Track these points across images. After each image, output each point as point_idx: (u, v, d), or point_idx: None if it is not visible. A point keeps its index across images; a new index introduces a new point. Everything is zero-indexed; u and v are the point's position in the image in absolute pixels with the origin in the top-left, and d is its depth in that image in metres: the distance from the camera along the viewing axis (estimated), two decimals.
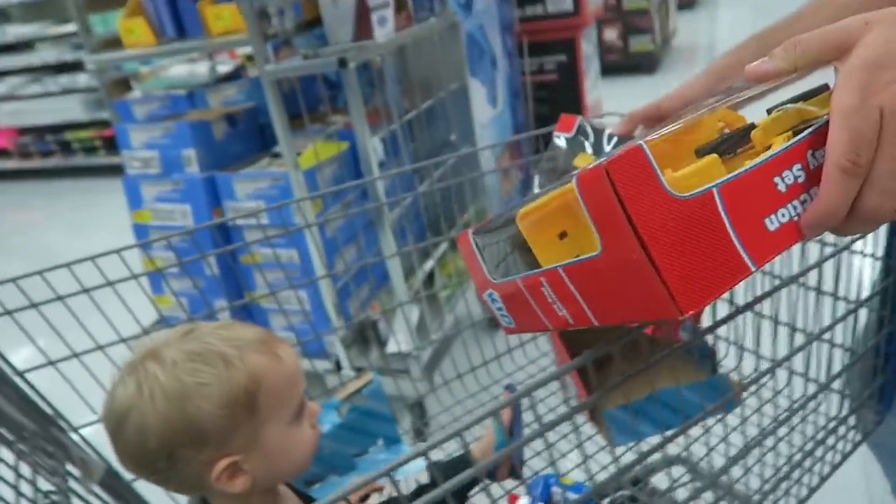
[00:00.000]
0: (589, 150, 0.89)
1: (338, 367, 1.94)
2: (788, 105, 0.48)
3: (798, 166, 0.44)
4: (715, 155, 0.44)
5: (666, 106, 0.80)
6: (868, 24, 0.44)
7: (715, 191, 0.40)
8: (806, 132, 0.45)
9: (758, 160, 0.43)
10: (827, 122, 0.44)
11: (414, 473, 1.01)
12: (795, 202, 0.43)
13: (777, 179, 0.43)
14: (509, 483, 1.09)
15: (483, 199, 2.29)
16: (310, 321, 1.90)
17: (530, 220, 0.53)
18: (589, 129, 0.90)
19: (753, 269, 0.40)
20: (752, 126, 0.48)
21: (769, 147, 0.46)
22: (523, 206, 0.54)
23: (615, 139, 0.86)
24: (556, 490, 0.90)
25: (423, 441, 1.81)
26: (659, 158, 0.40)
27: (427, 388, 1.80)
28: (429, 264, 2.09)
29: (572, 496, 0.90)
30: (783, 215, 0.43)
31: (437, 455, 1.16)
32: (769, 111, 0.49)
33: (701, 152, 0.46)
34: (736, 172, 0.41)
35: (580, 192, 0.41)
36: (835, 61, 0.46)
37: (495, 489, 1.08)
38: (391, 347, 1.91)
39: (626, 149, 0.40)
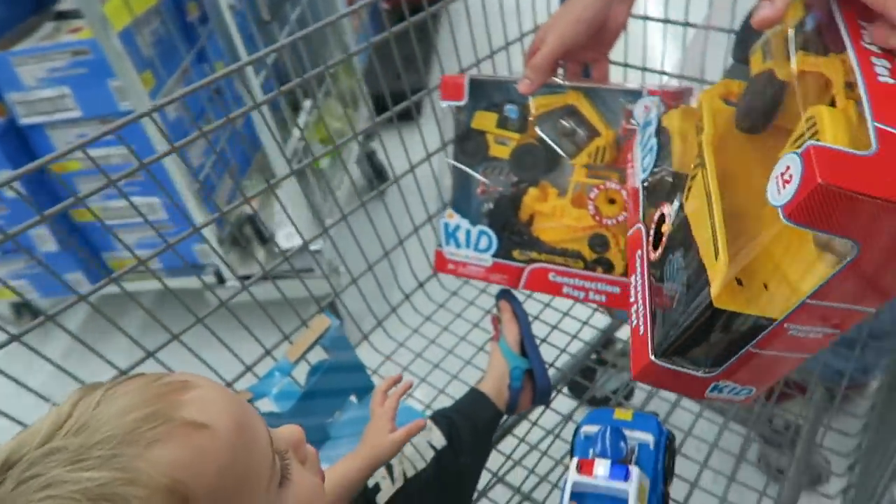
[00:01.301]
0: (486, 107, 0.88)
1: (220, 279, 1.58)
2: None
3: (877, 58, 0.45)
4: (826, 107, 0.44)
5: (566, 40, 0.77)
6: None
7: (883, 128, 0.40)
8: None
9: (859, 79, 0.44)
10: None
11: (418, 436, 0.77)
12: None
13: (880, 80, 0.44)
14: (547, 415, 0.87)
15: (344, 38, 1.88)
16: (170, 232, 1.49)
17: (728, 295, 0.49)
18: (486, 87, 0.87)
19: None
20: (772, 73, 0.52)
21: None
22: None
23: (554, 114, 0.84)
24: (627, 434, 0.70)
25: None
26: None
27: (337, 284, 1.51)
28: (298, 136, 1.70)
29: (646, 436, 0.71)
30: None
31: (425, 392, 0.92)
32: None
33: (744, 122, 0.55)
34: (864, 97, 0.42)
35: (803, 221, 0.40)
36: None
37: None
38: (282, 243, 1.57)
39: (809, 153, 0.40)
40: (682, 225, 0.56)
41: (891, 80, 0.44)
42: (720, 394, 0.56)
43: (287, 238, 1.62)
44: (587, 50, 0.80)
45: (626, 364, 1.02)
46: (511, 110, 0.85)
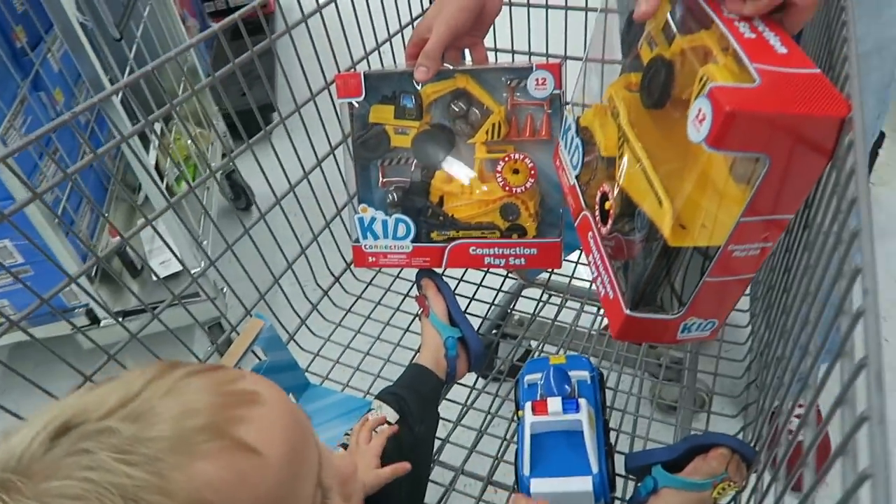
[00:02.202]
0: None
1: (94, 319, 1.46)
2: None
3: (738, 22, 0.56)
4: (712, 64, 0.53)
5: (454, 26, 0.82)
6: None
7: (759, 67, 0.50)
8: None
9: (734, 44, 0.53)
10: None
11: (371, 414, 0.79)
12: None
13: (745, 36, 0.55)
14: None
15: (188, 57, 1.81)
16: (28, 277, 1.36)
17: (678, 235, 0.56)
18: (374, 80, 0.88)
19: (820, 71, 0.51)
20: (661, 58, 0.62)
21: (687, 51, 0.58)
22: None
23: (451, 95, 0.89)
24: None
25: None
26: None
27: (223, 305, 1.46)
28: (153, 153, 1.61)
29: (581, 374, 0.78)
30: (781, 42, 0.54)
31: (361, 379, 0.92)
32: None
33: (649, 100, 0.63)
34: (739, 49, 0.52)
35: (722, 145, 0.49)
36: None
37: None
38: (161, 272, 1.49)
39: (713, 93, 0.49)
40: (624, 196, 0.63)
41: (753, 35, 0.55)
42: (689, 333, 0.62)
43: (163, 267, 1.54)
44: (468, 35, 0.87)
45: (526, 333, 1.09)
46: (407, 99, 0.89)
